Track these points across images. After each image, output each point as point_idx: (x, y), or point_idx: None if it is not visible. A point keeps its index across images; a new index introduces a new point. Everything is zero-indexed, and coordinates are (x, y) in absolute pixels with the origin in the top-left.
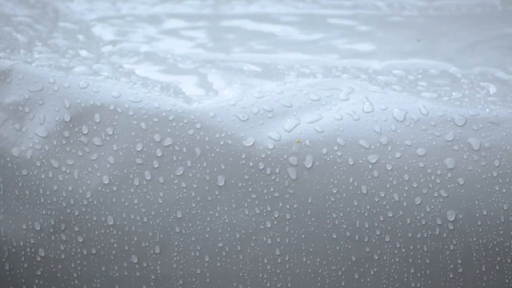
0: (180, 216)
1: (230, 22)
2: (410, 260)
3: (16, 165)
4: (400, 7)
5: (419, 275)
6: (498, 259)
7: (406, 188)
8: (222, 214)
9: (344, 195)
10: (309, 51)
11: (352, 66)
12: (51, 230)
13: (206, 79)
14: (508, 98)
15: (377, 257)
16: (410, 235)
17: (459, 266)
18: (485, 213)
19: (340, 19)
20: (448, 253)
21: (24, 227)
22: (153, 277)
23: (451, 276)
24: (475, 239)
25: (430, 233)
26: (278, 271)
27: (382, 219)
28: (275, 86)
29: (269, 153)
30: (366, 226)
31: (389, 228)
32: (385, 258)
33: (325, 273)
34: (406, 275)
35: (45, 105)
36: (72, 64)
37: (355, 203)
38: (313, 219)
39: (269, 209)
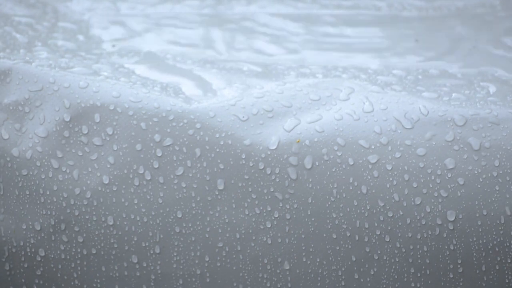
0: (180, 216)
1: (230, 22)
2: (410, 260)
3: (16, 165)
4: (400, 7)
5: (419, 275)
6: (498, 259)
7: (406, 188)
8: (222, 214)
9: (344, 195)
10: (309, 51)
11: (352, 66)
12: (51, 230)
13: (206, 79)
14: (508, 98)
15: (377, 257)
16: (410, 235)
17: (459, 266)
18: (485, 213)
19: (340, 19)
20: (448, 253)
21: (24, 227)
22: (153, 277)
23: (451, 276)
24: (475, 239)
25: (430, 233)
26: (278, 271)
27: (382, 219)
28: (275, 86)
29: (269, 153)
30: (366, 226)
31: (389, 228)
32: (385, 258)
33: (325, 273)
34: (406, 275)
35: (45, 105)
36: (72, 64)
37: (355, 203)
38: (313, 219)
39: (269, 209)
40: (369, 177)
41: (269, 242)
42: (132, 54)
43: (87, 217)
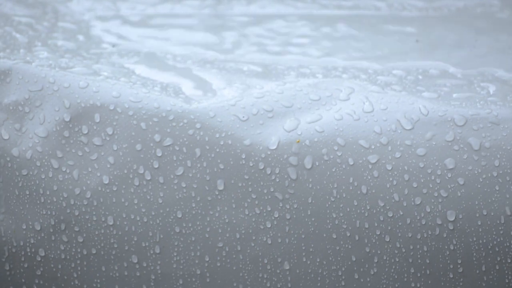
0: (180, 216)
1: (230, 22)
2: (410, 260)
3: (16, 165)
4: (400, 7)
5: (419, 275)
6: (498, 259)
7: (406, 188)
8: (222, 214)
9: (344, 195)
10: (309, 51)
11: (352, 66)
12: (51, 230)
13: (206, 79)
14: (508, 98)
15: (377, 257)
16: (410, 235)
17: (459, 266)
18: (485, 213)
19: (339, 19)
20: (448, 253)
21: (24, 227)
22: (153, 277)
23: (451, 276)
24: (475, 239)
25: (430, 233)
26: (278, 271)
27: (382, 219)
28: (275, 86)
29: (269, 153)
30: (366, 226)
31: (389, 228)
32: (385, 258)
33: (325, 273)
34: (406, 275)
35: (45, 105)
36: (72, 64)
37: (355, 203)
38: (313, 219)
39: (269, 209)
40: (369, 177)
41: (269, 242)
42: (132, 54)
43: (87, 217)
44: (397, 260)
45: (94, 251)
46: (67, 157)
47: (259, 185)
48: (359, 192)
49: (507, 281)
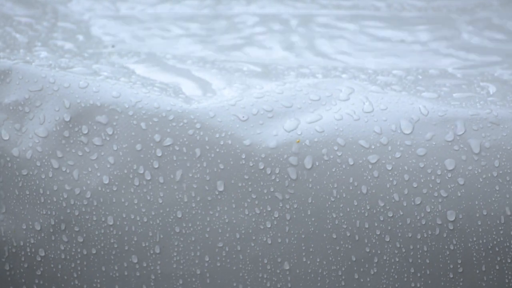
0: (180, 216)
1: (230, 22)
2: (410, 260)
3: (16, 165)
4: (400, 7)
5: (419, 275)
6: (498, 259)
7: (406, 188)
8: (222, 214)
9: (344, 195)
10: (309, 51)
11: (352, 66)
12: (51, 230)
13: (206, 79)
14: (508, 98)
15: (377, 257)
16: (410, 235)
17: (459, 266)
18: (485, 213)
19: (339, 20)
20: (448, 253)
21: (24, 227)
22: (153, 277)
23: (451, 276)
24: (475, 239)
25: (430, 233)
26: (278, 271)
27: (382, 219)
28: (275, 86)
29: (269, 153)
30: (366, 226)
31: (389, 228)
32: (385, 258)
33: (325, 273)
34: (406, 275)
35: (45, 105)
36: (72, 64)
37: (355, 203)
38: (313, 219)
39: (269, 209)
40: (369, 177)
41: (269, 242)
42: (132, 54)
43: (87, 217)
44: (397, 260)
45: (94, 251)
46: (67, 157)
47: (259, 185)
48: (359, 192)
49: (507, 281)
